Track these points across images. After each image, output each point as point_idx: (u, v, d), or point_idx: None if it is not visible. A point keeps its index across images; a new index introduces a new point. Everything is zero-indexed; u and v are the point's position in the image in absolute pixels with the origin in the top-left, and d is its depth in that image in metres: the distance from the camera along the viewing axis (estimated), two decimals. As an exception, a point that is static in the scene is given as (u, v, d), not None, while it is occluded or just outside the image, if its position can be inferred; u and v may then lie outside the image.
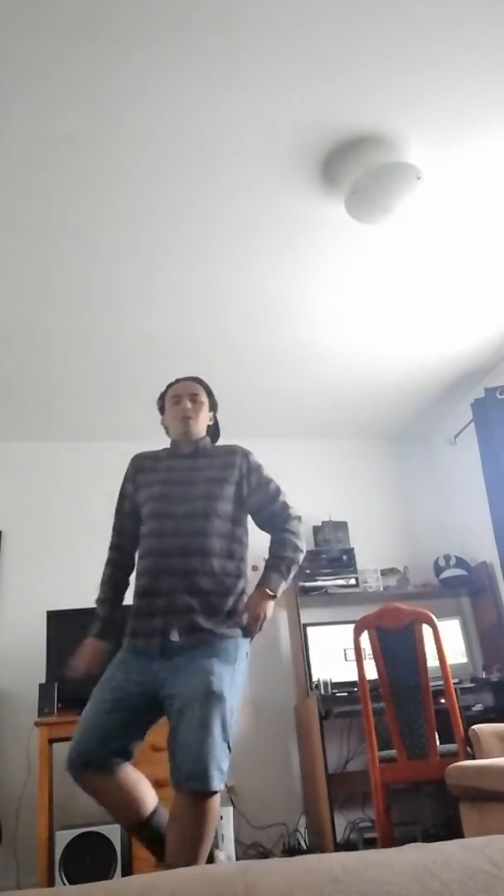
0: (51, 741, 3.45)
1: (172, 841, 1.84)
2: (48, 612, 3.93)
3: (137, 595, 2.18)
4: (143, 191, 2.68)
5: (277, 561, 2.25)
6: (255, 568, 4.53)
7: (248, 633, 2.13)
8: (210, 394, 2.47)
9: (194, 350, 3.80)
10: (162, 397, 2.50)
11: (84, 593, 4.17)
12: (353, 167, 2.62)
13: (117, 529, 2.40)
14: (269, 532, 2.34)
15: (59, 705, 3.53)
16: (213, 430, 2.49)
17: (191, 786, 1.81)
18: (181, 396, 2.39)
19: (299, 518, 2.37)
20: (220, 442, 2.51)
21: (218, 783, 1.83)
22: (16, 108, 2.28)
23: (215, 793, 1.84)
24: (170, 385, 2.49)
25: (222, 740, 1.89)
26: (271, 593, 2.17)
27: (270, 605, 2.17)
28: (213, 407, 2.48)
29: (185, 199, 2.74)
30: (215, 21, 2.06)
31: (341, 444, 5.07)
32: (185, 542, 2.15)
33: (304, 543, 2.34)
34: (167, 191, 2.69)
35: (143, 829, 2.03)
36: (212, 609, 2.08)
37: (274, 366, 4.04)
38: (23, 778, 3.76)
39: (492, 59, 2.27)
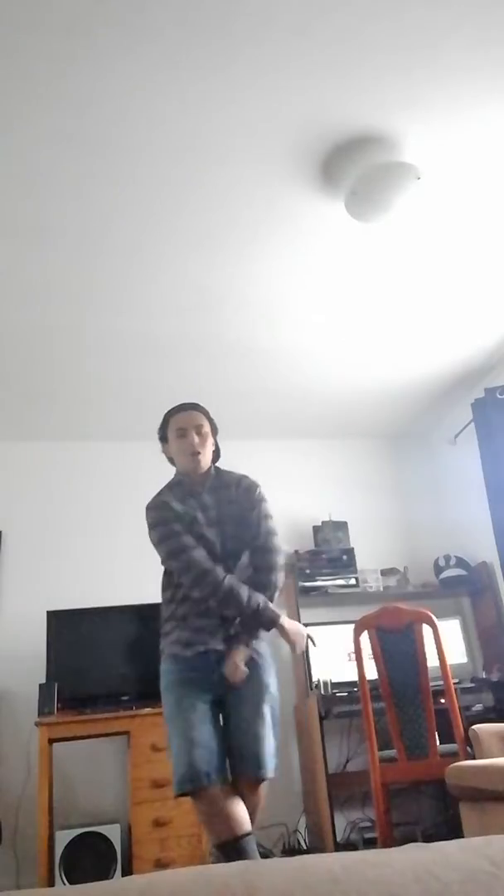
0: (51, 741, 3.45)
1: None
2: (48, 612, 3.92)
3: (179, 619, 2.24)
4: (143, 191, 2.68)
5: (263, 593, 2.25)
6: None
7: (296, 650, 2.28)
8: (211, 420, 2.44)
9: (195, 350, 3.80)
10: (163, 427, 2.42)
11: (84, 593, 4.18)
12: (353, 167, 2.62)
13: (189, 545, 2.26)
14: (252, 558, 2.32)
15: (59, 705, 3.53)
16: (215, 454, 2.47)
17: (255, 776, 2.11)
18: (186, 429, 2.34)
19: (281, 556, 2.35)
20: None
21: (273, 771, 2.14)
22: (14, 107, 2.28)
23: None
24: (170, 414, 2.41)
25: (274, 734, 2.17)
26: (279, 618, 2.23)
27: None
28: (215, 433, 2.45)
29: (184, 200, 2.74)
30: (214, 21, 2.06)
31: (341, 444, 5.07)
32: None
33: (282, 575, 2.32)
34: (166, 191, 2.69)
35: (234, 846, 2.04)
36: (248, 628, 2.22)
37: (274, 366, 4.04)
38: (23, 778, 3.75)
39: (491, 60, 2.26)
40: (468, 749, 2.94)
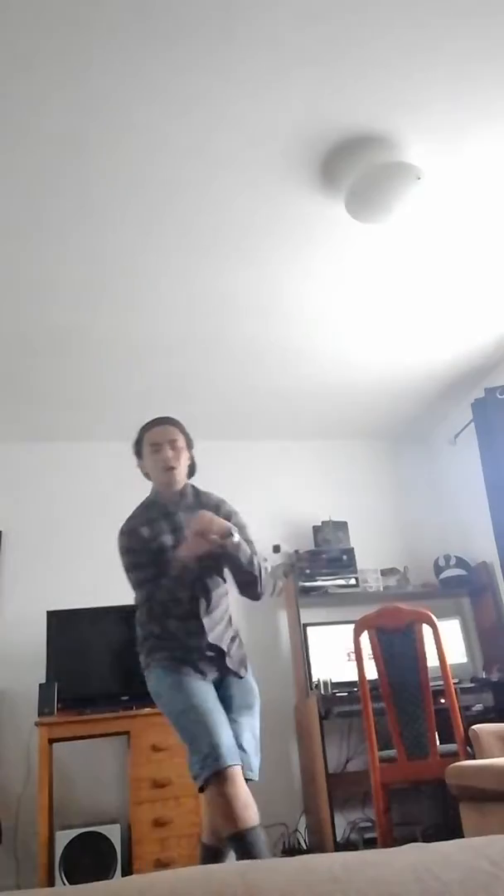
0: (51, 741, 3.45)
1: None
2: (48, 612, 3.92)
3: (169, 637, 2.25)
4: (142, 193, 2.68)
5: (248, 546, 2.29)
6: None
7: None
8: (186, 434, 2.44)
9: (194, 350, 3.80)
10: (138, 443, 2.44)
11: (84, 593, 4.17)
12: (353, 167, 2.62)
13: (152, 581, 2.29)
14: None
15: (59, 705, 3.53)
16: (190, 469, 2.47)
17: (245, 775, 2.11)
18: (160, 445, 2.35)
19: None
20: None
21: (257, 774, 2.20)
22: (16, 109, 2.27)
23: None
24: (144, 429, 2.42)
25: (259, 739, 2.28)
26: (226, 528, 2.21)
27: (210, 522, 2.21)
28: (190, 446, 2.45)
29: (183, 200, 2.74)
30: (214, 20, 2.06)
31: (341, 444, 5.07)
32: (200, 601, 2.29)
33: (263, 583, 2.35)
34: (165, 191, 2.69)
35: (253, 835, 2.00)
36: (239, 651, 2.35)
37: (273, 366, 4.04)
38: (23, 778, 3.75)
39: (492, 59, 2.26)
40: (468, 749, 2.94)
